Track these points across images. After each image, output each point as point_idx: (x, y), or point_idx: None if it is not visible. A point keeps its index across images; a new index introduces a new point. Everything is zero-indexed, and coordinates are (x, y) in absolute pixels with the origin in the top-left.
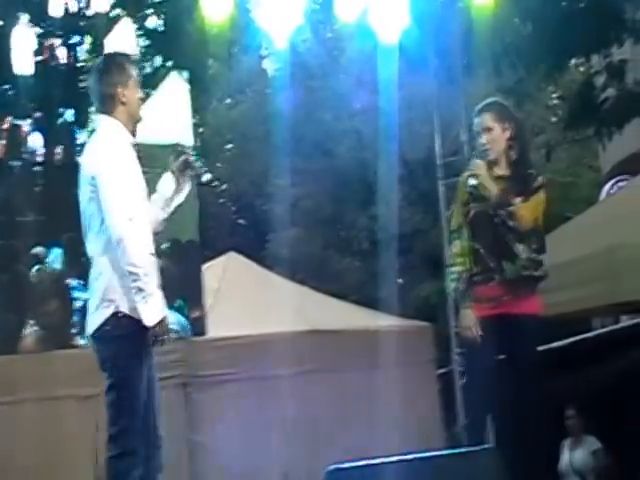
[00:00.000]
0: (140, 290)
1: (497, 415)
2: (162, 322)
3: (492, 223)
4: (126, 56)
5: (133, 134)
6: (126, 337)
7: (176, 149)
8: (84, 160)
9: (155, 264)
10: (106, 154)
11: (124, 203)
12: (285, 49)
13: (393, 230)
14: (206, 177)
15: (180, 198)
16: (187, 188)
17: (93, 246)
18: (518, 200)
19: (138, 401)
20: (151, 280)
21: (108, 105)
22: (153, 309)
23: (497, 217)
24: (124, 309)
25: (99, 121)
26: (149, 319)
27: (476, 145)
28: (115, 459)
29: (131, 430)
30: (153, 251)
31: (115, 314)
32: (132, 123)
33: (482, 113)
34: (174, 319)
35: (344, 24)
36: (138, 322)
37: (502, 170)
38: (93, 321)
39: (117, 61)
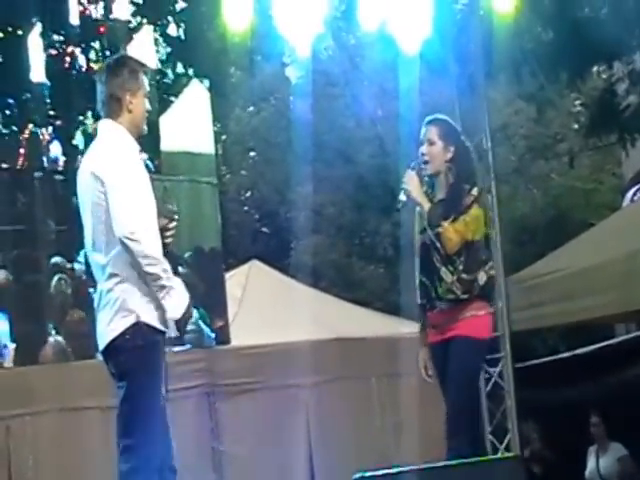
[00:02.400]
0: (162, 287)
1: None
2: (188, 308)
3: (429, 251)
4: (140, 64)
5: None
6: (146, 346)
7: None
8: (91, 165)
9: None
10: (116, 161)
11: (136, 210)
12: (307, 57)
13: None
14: (228, 185)
15: None
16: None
17: (104, 256)
18: (448, 222)
19: (158, 411)
20: (170, 273)
21: (114, 109)
22: (178, 301)
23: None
24: (144, 319)
25: (103, 125)
26: (175, 312)
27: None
28: (132, 473)
29: (149, 441)
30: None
31: (135, 324)
32: (135, 134)
33: (429, 125)
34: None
35: (366, 32)
36: (158, 331)
37: (440, 193)
38: (110, 331)
39: (130, 66)
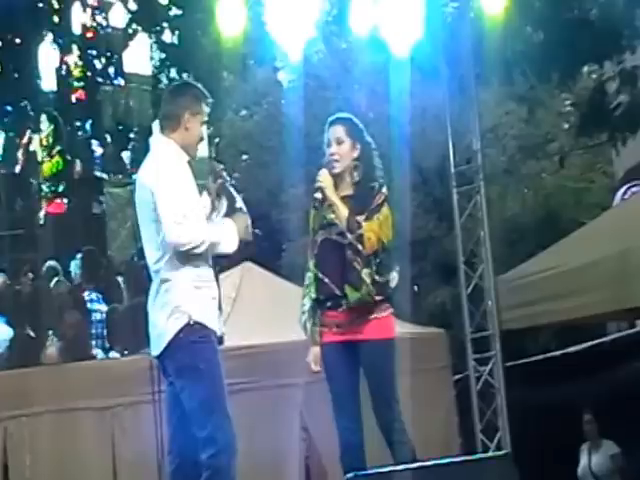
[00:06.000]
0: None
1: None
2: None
3: (338, 249)
4: (205, 94)
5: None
6: (201, 342)
7: (213, 169)
8: (143, 177)
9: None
10: (163, 171)
11: (181, 216)
12: (299, 61)
13: (408, 237)
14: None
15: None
16: (223, 209)
17: (158, 260)
18: (362, 218)
19: (224, 398)
20: (209, 234)
21: (170, 125)
22: (230, 236)
23: (344, 241)
24: (196, 318)
25: (155, 139)
26: (230, 246)
27: (325, 155)
28: (215, 458)
29: (223, 426)
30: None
31: (188, 323)
32: (185, 151)
33: (336, 124)
34: None
35: (357, 36)
36: (210, 330)
37: (346, 190)
38: (166, 331)
39: (195, 91)
